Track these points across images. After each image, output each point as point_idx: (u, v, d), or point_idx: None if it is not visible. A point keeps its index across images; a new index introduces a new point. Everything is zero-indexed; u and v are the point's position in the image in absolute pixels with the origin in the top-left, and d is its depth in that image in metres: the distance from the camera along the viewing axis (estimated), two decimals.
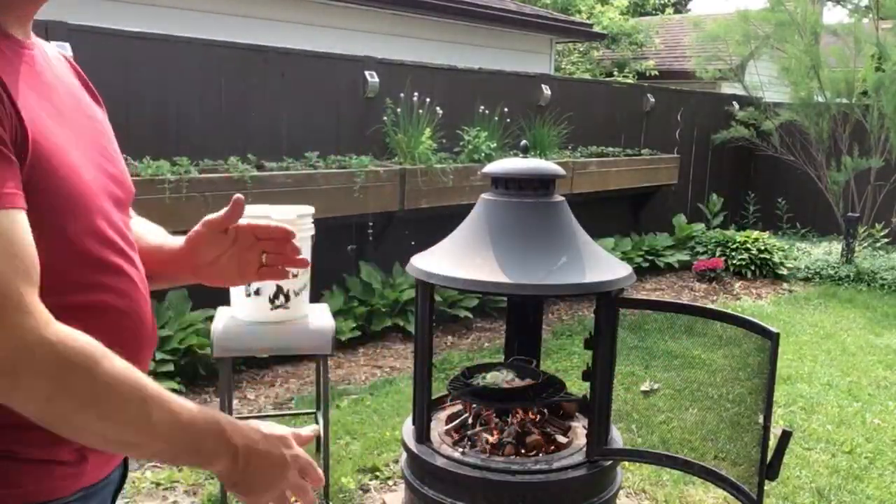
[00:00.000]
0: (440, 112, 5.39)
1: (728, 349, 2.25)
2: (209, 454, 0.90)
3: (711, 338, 2.33)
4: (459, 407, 2.63)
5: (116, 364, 0.82)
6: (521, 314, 2.80)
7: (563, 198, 2.37)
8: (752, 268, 7.26)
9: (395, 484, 3.12)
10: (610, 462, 2.32)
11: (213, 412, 0.92)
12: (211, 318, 2.95)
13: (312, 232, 2.73)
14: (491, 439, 2.39)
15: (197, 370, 4.08)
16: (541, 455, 2.33)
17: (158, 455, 0.91)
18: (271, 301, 2.69)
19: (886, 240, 8.03)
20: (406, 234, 5.14)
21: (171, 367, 3.85)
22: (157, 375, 3.82)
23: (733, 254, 7.36)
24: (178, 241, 1.21)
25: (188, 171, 4.02)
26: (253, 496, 0.95)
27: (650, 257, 7.27)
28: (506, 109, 6.04)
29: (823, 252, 7.87)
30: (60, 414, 0.80)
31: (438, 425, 2.50)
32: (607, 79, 10.82)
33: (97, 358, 0.80)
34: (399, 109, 5.26)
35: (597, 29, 10.80)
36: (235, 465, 0.91)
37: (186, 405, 0.88)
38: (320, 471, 1.00)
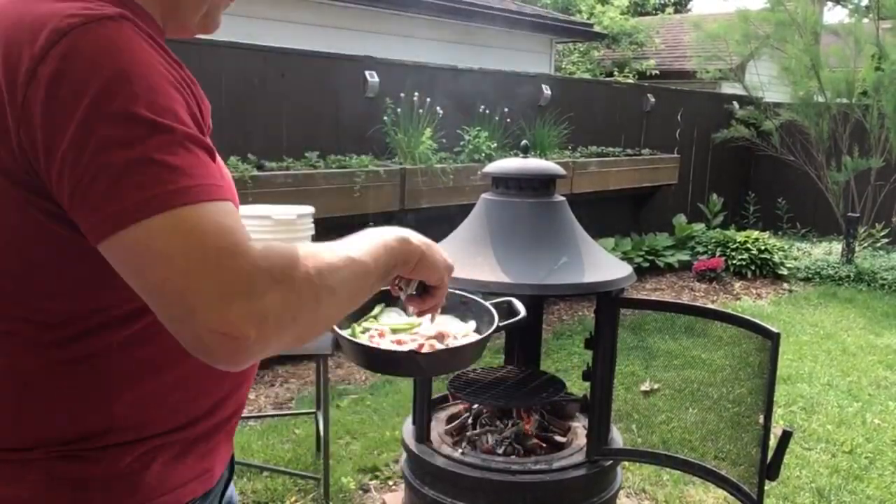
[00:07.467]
0: (440, 112, 5.39)
1: (728, 349, 2.25)
2: (405, 253, 0.98)
3: (711, 338, 2.33)
4: (459, 407, 2.63)
5: (309, 248, 0.81)
6: None
7: (563, 198, 2.37)
8: (752, 268, 7.26)
9: (395, 484, 3.12)
10: (610, 462, 2.32)
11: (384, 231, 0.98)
12: None
13: (312, 232, 2.72)
14: (491, 439, 2.39)
15: None
16: (541, 455, 2.33)
17: (374, 285, 0.93)
18: None
19: (886, 240, 8.03)
20: None
21: None
22: None
23: (733, 254, 7.35)
24: None
25: None
26: (433, 270, 1.04)
27: (650, 257, 7.27)
28: (506, 109, 6.04)
29: (823, 252, 7.87)
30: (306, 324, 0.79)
31: (438, 425, 2.50)
32: (607, 79, 10.81)
33: (298, 256, 0.77)
34: (399, 109, 5.26)
35: (597, 29, 10.80)
36: (427, 250, 1.02)
37: (372, 235, 0.94)
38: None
